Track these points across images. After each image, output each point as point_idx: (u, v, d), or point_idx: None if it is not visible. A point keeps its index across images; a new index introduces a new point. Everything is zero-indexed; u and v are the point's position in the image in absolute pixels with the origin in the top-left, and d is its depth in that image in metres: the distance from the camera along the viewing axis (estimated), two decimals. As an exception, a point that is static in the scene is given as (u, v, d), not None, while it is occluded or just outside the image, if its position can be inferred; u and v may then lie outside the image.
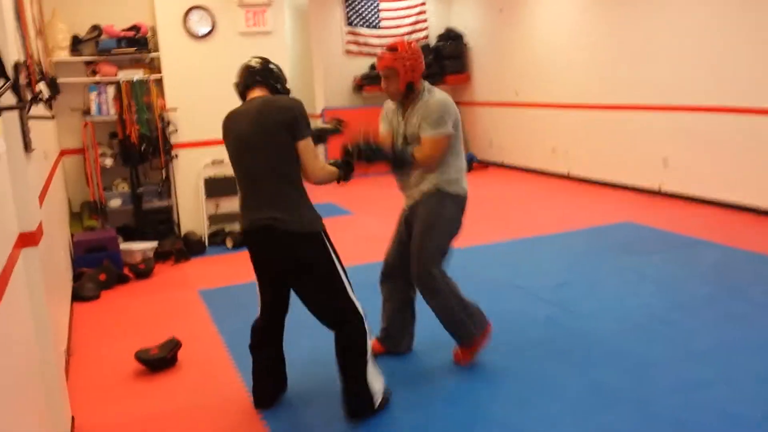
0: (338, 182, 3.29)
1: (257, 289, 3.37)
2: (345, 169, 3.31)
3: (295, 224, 3.03)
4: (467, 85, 11.64)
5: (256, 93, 3.17)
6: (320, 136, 3.53)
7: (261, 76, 3.19)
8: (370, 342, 3.19)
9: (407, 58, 3.46)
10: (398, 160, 3.52)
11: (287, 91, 3.27)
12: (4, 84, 2.39)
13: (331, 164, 3.28)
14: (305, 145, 3.05)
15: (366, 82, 11.15)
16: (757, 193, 6.68)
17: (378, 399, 3.19)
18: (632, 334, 4.03)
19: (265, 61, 3.26)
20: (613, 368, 3.58)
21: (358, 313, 3.15)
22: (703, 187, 7.30)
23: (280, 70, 3.28)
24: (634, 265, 5.34)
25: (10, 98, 2.60)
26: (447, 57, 11.39)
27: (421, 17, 11.70)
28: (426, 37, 11.71)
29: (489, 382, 3.52)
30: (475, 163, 10.78)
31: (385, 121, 3.74)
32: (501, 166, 10.95)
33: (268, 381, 3.40)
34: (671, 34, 7.44)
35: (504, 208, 7.89)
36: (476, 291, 3.94)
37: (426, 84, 3.58)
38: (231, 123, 3.17)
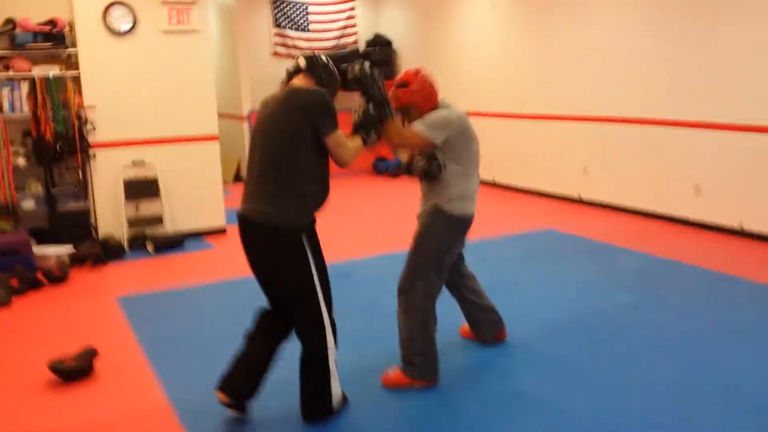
0: (368, 146, 3.25)
1: None
2: (366, 133, 3.24)
3: (272, 217, 2.96)
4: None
5: (296, 81, 3.14)
6: (368, 125, 3.28)
7: (308, 65, 3.16)
8: (333, 355, 3.11)
9: (423, 89, 3.49)
10: (376, 103, 3.30)
11: (333, 87, 3.20)
12: None
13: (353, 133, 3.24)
14: (333, 139, 3.00)
15: (293, 85, 11.05)
16: (671, 202, 6.97)
17: (336, 402, 3.16)
18: (553, 338, 4.12)
19: (319, 55, 3.24)
20: (534, 373, 3.65)
21: (323, 326, 3.07)
22: (620, 196, 7.57)
23: (334, 66, 3.24)
24: (556, 272, 5.48)
25: None
26: (376, 63, 11.38)
27: (351, 22, 11.70)
28: (355, 42, 11.72)
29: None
30: (402, 169, 10.83)
31: None
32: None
33: (242, 376, 3.21)
34: (592, 47, 7.69)
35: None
36: (394, 297, 3.95)
37: (444, 102, 3.61)
38: (261, 108, 3.16)
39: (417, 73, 3.55)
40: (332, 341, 3.12)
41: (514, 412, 3.25)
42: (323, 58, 3.23)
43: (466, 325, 4.11)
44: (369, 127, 3.24)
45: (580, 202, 8.11)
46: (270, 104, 3.11)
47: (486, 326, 4.00)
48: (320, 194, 3.11)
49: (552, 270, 5.54)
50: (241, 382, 3.19)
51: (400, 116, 3.52)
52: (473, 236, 6.45)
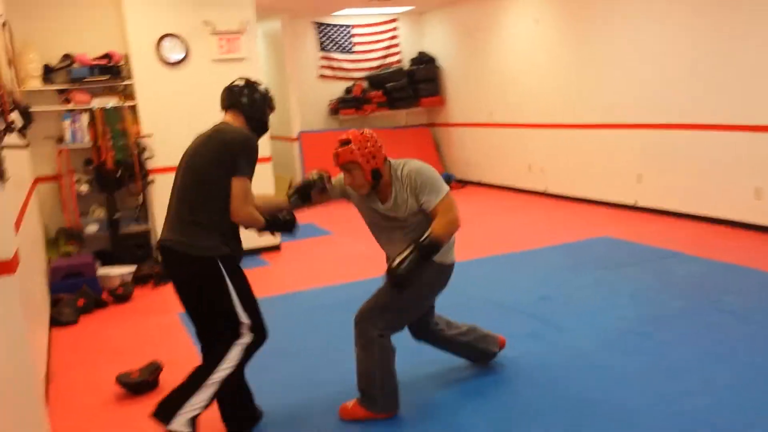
0: (260, 232, 3.23)
1: None
2: (272, 225, 3.23)
3: (187, 247, 3.02)
4: (442, 108, 11.76)
5: (227, 117, 3.20)
6: (304, 194, 3.40)
7: (233, 101, 3.19)
8: (230, 367, 3.05)
9: (363, 146, 3.28)
10: (426, 250, 3.20)
11: (261, 120, 3.23)
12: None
13: (267, 216, 3.20)
14: (237, 183, 2.99)
15: (341, 105, 11.25)
16: (728, 206, 6.81)
17: (182, 420, 2.99)
18: (610, 347, 4.07)
19: (244, 86, 3.22)
20: (592, 382, 3.61)
21: (238, 335, 3.08)
22: (677, 201, 7.43)
23: (262, 96, 3.25)
24: (611, 279, 5.41)
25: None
26: (421, 80, 11.52)
27: (394, 42, 11.84)
28: (399, 61, 11.85)
29: (469, 397, 3.53)
30: (453, 183, 10.87)
31: (339, 191, 3.52)
32: (479, 184, 11.05)
33: (230, 411, 3.31)
34: (642, 54, 7.61)
35: (481, 225, 7.95)
36: (455, 307, 3.98)
37: (391, 161, 3.38)
38: (190, 145, 3.21)
39: (360, 131, 3.35)
40: (236, 356, 3.07)
41: (575, 418, 3.23)
42: (248, 89, 3.22)
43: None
44: (277, 226, 3.26)
45: (635, 209, 7.98)
46: (198, 140, 3.16)
47: (489, 341, 3.86)
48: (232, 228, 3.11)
49: (607, 277, 5.47)
50: (237, 415, 3.31)
51: (344, 174, 3.36)
52: (528, 246, 6.43)
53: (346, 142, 3.30)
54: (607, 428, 3.13)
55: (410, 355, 3.81)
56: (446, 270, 3.47)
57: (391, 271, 3.15)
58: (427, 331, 3.69)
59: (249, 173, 3.03)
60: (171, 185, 3.20)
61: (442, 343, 3.75)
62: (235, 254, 3.14)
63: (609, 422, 3.18)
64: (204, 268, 3.03)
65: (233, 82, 3.26)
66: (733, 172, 6.72)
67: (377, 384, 3.34)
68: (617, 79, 7.99)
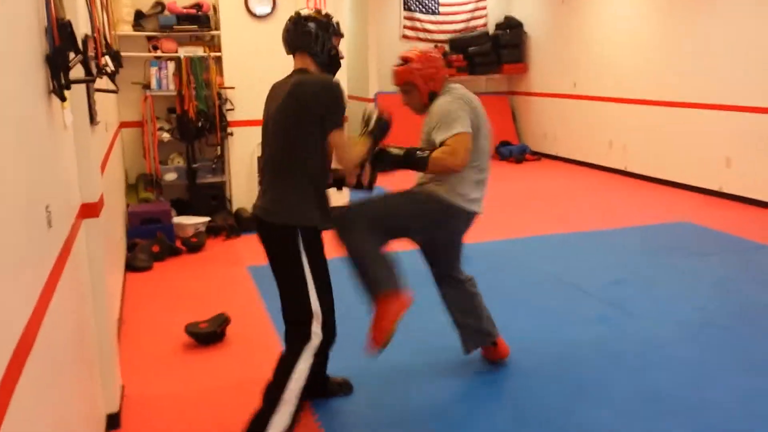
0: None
1: None
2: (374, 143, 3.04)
3: (274, 216, 2.84)
4: (524, 75, 11.45)
5: (298, 62, 2.93)
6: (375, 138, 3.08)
7: (298, 42, 2.90)
8: (302, 379, 2.79)
9: (424, 67, 3.17)
10: (408, 158, 3.13)
11: (331, 54, 2.93)
12: (75, 57, 2.42)
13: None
14: (335, 136, 2.79)
15: (421, 68, 11.08)
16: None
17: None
18: (687, 337, 3.92)
19: (304, 20, 2.90)
20: (667, 373, 3.49)
21: (308, 335, 2.83)
22: (766, 190, 7.05)
23: (325, 28, 2.90)
24: (691, 267, 5.19)
25: (78, 71, 2.63)
26: (505, 46, 11.23)
27: (481, 5, 11.54)
28: (485, 24, 11.56)
29: (533, 380, 3.45)
30: (528, 155, 10.64)
31: None
32: (554, 158, 10.77)
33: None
34: (738, 32, 7.17)
35: (556, 200, 7.76)
36: (525, 284, 3.89)
37: (448, 86, 3.26)
38: (268, 98, 2.99)
39: (421, 51, 3.24)
40: (306, 366, 2.81)
41: (644, 413, 3.13)
42: (310, 24, 2.89)
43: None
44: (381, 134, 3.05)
45: (720, 195, 7.62)
46: (279, 93, 2.90)
47: (493, 331, 3.56)
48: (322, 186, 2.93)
49: (687, 264, 5.25)
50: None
51: (402, 94, 3.25)
52: (604, 225, 6.21)
53: (406, 61, 3.17)
54: (678, 423, 3.02)
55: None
56: (450, 210, 3.22)
57: (374, 155, 3.06)
58: (450, 276, 3.47)
59: (341, 122, 2.81)
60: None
61: (458, 296, 3.46)
62: (320, 225, 2.91)
63: (680, 417, 3.07)
64: (282, 237, 2.84)
65: (289, 20, 2.94)
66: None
67: (370, 268, 3.06)
68: (713, 57, 7.56)
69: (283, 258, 2.88)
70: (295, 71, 2.93)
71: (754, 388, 3.31)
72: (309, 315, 2.83)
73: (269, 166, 2.93)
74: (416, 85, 3.16)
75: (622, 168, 9.17)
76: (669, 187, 8.26)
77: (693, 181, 8.02)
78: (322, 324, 2.86)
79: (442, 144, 3.09)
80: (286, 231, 2.81)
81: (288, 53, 2.98)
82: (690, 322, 4.12)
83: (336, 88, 2.81)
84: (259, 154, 6.70)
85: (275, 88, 2.98)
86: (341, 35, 2.99)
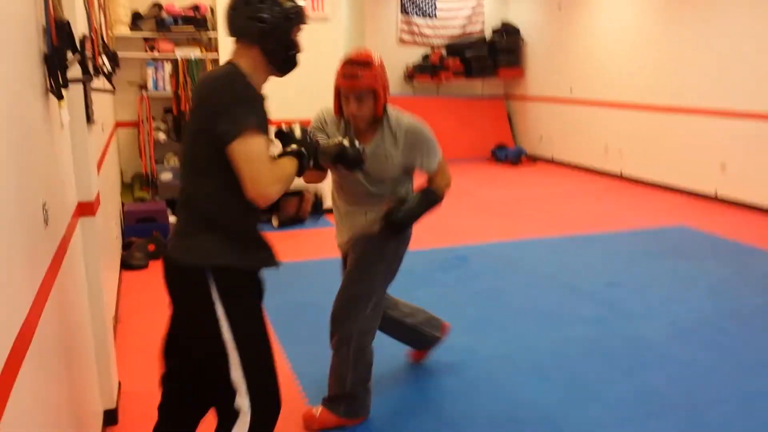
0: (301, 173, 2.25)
1: None
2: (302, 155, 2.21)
3: (181, 253, 2.15)
4: (520, 80, 11.49)
5: (234, 53, 2.19)
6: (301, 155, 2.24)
7: (235, 26, 2.18)
8: None
9: (383, 73, 2.76)
10: (428, 202, 2.97)
11: (284, 45, 2.15)
12: (73, 57, 2.43)
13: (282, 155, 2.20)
14: (237, 148, 1.99)
15: (417, 72, 11.13)
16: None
17: None
18: (682, 339, 3.94)
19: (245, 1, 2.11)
20: (660, 373, 3.51)
21: (232, 415, 2.12)
22: (761, 195, 7.09)
23: (286, 15, 2.11)
24: (686, 270, 5.21)
25: (75, 71, 2.64)
26: (501, 51, 11.27)
27: (478, 10, 11.58)
28: (481, 30, 11.60)
29: (528, 379, 3.47)
30: (523, 158, 10.67)
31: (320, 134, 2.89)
32: (550, 161, 10.81)
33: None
34: (733, 38, 7.22)
35: (552, 204, 7.78)
36: (521, 285, 3.90)
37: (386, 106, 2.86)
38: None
39: (375, 54, 2.79)
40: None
41: (637, 411, 3.15)
42: (265, 5, 2.12)
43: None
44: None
45: (715, 199, 7.65)
46: (193, 98, 2.26)
47: (434, 324, 3.49)
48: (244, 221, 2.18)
49: (682, 267, 5.27)
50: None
51: (350, 101, 2.74)
52: (600, 229, 6.25)
53: (366, 64, 2.69)
54: (672, 423, 3.04)
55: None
56: (408, 239, 3.10)
57: (390, 214, 2.85)
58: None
59: (243, 128, 1.99)
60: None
61: (384, 324, 3.23)
62: (245, 265, 2.14)
63: (673, 416, 3.08)
64: (188, 283, 2.14)
65: None
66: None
67: (354, 389, 2.99)
68: (709, 63, 7.60)
69: (186, 309, 2.28)
70: (220, 66, 2.23)
71: (747, 389, 3.33)
72: (228, 391, 2.13)
73: (182, 183, 2.24)
74: (377, 95, 2.73)
75: (618, 172, 9.20)
76: (664, 191, 8.30)
77: (688, 186, 8.06)
78: (253, 401, 2.12)
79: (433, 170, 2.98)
80: (192, 272, 2.13)
81: (228, 35, 2.23)
82: (684, 324, 4.14)
83: (237, 82, 2.08)
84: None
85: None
86: (303, 22, 2.19)
